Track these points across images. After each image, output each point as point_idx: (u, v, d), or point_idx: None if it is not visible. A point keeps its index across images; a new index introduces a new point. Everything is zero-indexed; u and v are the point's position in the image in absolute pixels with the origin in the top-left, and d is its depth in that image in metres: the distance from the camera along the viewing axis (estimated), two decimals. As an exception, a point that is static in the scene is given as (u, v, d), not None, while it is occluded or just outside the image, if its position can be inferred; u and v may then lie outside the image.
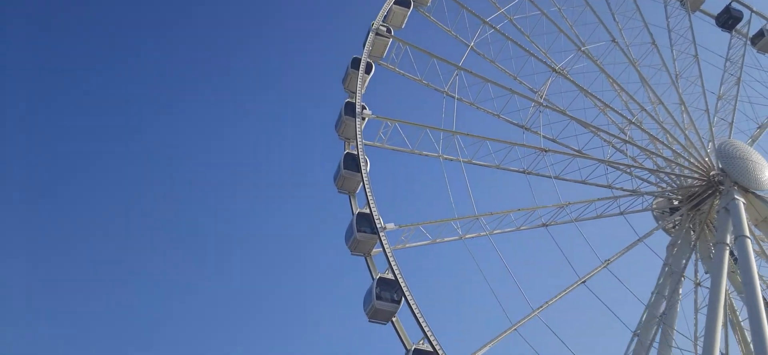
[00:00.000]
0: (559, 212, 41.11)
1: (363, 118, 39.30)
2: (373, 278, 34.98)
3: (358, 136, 38.15)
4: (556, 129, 43.22)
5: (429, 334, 31.31)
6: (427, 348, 31.44)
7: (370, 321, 34.26)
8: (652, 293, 42.08)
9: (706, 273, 42.61)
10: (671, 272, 43.72)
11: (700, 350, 38.96)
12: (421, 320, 31.72)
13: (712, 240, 42.82)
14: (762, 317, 34.97)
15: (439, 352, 30.90)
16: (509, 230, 39.80)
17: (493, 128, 44.93)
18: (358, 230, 35.15)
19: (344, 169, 37.69)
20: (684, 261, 44.73)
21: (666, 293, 42.05)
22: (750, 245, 38.76)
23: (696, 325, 40.90)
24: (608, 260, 39.71)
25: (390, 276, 33.75)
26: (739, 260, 38.94)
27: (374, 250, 35.82)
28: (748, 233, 39.41)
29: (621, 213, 44.19)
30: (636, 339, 38.68)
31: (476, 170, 41.29)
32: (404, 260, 34.80)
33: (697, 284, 42.85)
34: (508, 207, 38.82)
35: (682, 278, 43.45)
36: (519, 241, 45.42)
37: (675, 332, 39.32)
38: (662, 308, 39.54)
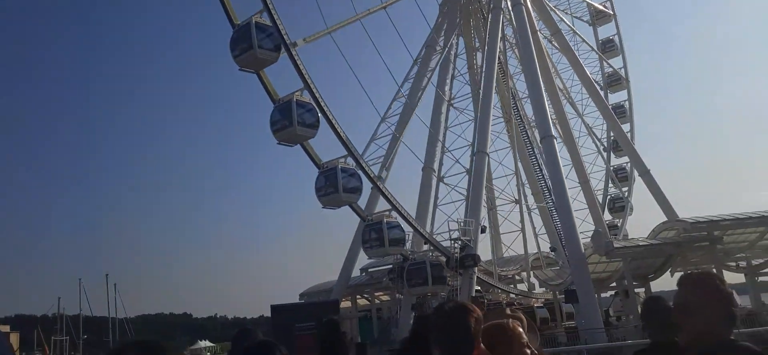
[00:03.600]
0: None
1: None
2: (274, 101, 31.29)
3: None
4: None
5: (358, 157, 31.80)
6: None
7: (278, 143, 31.76)
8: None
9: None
10: None
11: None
12: (345, 139, 31.51)
13: None
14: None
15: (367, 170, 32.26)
16: None
17: None
18: (260, 47, 29.25)
19: None
20: None
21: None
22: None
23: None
24: None
25: (305, 99, 30.87)
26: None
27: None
28: None
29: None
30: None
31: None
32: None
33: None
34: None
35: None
36: None
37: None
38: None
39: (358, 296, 61.13)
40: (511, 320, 2.95)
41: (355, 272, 54.65)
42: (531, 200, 49.14)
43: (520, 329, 2.88)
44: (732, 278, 37.62)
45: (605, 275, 39.84)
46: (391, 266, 42.15)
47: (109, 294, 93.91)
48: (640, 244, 35.62)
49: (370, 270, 54.55)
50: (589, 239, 38.74)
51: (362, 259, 50.74)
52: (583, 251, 36.43)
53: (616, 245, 34.85)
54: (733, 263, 38.81)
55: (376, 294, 57.12)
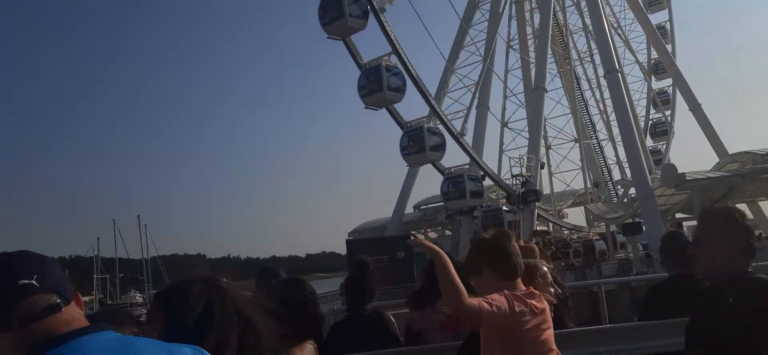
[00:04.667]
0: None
1: None
2: (360, 67, 31.37)
3: None
4: None
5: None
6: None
7: (366, 107, 32.18)
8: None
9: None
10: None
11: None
12: (433, 102, 31.98)
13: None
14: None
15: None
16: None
17: None
18: (350, 14, 29.05)
19: None
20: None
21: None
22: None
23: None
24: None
25: (391, 63, 31.00)
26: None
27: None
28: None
29: None
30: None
31: None
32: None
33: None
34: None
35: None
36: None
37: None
38: None
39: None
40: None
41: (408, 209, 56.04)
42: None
43: (545, 268, 2.98)
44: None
45: (665, 208, 41.37)
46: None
47: (142, 234, 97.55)
48: (711, 175, 36.78)
49: (422, 207, 56.06)
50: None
51: (414, 196, 51.96)
52: (650, 184, 37.74)
53: (687, 178, 36.02)
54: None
55: (428, 230, 59.17)
